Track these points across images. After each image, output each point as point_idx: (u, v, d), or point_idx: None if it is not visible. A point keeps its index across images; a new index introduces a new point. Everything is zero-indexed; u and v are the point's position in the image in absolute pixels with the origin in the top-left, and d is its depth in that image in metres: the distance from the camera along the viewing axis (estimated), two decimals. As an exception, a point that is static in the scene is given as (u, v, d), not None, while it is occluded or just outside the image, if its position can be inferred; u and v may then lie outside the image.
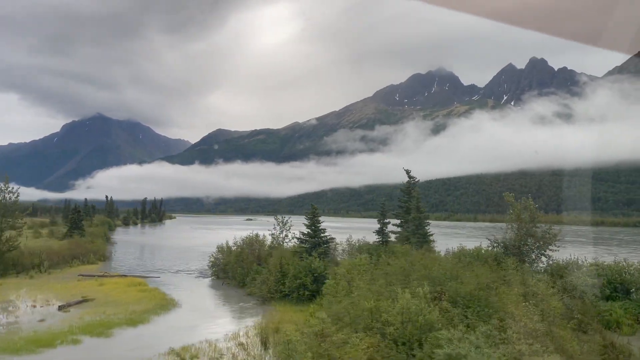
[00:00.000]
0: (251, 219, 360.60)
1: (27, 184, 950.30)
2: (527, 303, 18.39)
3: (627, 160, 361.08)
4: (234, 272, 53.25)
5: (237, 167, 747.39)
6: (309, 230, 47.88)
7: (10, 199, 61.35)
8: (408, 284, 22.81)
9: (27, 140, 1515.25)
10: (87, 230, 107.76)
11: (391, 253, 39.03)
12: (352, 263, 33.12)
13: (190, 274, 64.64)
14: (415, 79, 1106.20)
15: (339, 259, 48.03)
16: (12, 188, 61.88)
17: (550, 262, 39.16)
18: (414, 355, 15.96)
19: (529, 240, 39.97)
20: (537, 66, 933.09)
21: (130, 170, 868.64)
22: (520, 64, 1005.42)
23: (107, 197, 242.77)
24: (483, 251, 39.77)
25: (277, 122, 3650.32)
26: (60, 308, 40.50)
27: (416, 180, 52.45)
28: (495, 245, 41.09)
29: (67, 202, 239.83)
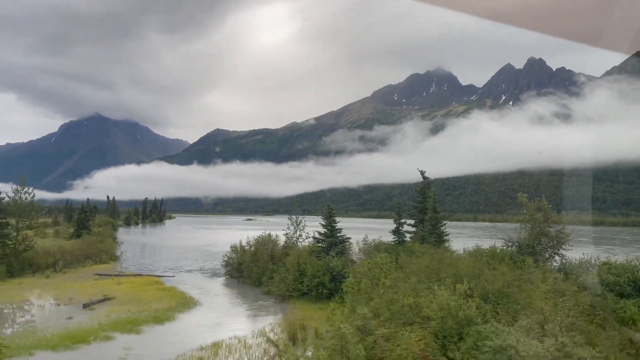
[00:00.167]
0: (251, 219, 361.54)
1: (25, 184, 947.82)
2: (561, 299, 19.37)
3: (626, 160, 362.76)
4: (249, 271, 54.12)
5: (236, 167, 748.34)
6: (325, 229, 48.81)
7: (26, 199, 62.19)
8: (438, 281, 23.74)
9: (25, 140, 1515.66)
10: (93, 230, 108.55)
11: (410, 252, 39.97)
12: (373, 262, 33.99)
13: (203, 273, 65.51)
14: (413, 79, 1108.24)
15: (354, 258, 48.96)
16: (28, 189, 62.72)
17: (564, 261, 40.08)
18: (457, 349, 16.86)
19: (543, 239, 40.91)
20: (535, 66, 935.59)
21: (129, 170, 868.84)
22: (519, 64, 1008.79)
23: (108, 197, 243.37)
24: (498, 250, 40.67)
25: (276, 122, 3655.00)
26: (84, 306, 41.36)
27: (430, 180, 53.45)
28: (509, 244, 42.02)
29: (68, 202, 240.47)
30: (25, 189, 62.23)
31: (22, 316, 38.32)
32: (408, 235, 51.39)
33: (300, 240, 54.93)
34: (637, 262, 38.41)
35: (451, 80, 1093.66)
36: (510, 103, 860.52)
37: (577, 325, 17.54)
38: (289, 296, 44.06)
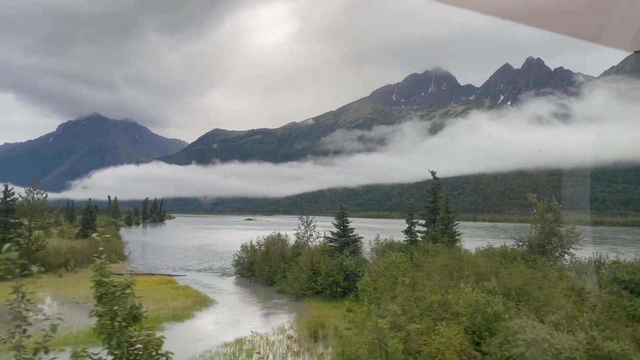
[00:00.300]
0: (251, 219, 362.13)
1: (23, 184, 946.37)
2: (587, 295, 20.18)
3: (624, 160, 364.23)
4: (261, 270, 54.82)
5: (235, 167, 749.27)
6: (338, 229, 49.60)
7: (38, 199, 62.85)
8: (460, 279, 24.51)
9: (23, 140, 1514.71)
10: (99, 230, 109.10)
11: (424, 252, 40.78)
12: (389, 261, 34.75)
13: (213, 272, 66.20)
14: (412, 78, 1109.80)
15: (365, 257, 49.75)
16: (40, 190, 63.37)
17: (574, 260, 40.91)
18: (488, 343, 17.61)
19: (553, 239, 41.74)
20: (534, 66, 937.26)
21: (127, 170, 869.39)
22: (517, 64, 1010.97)
23: (109, 197, 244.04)
24: (509, 249, 41.52)
25: (274, 122, 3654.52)
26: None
27: (440, 180, 54.29)
28: (520, 244, 42.85)
29: (69, 202, 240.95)
30: (38, 190, 62.89)
31: (44, 314, 39.03)
32: (419, 235, 52.16)
33: (311, 240, 55.70)
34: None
35: (449, 80, 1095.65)
36: (509, 103, 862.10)
37: (601, 321, 18.32)
38: (302, 295, 44.79)
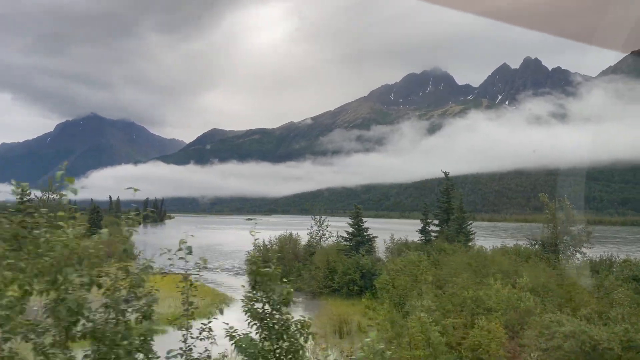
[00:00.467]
0: (251, 219, 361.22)
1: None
2: (616, 291, 21.24)
3: (622, 160, 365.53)
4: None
5: (233, 167, 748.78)
6: (353, 228, 50.62)
7: (54, 199, 63.53)
8: (486, 276, 25.56)
9: (21, 140, 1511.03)
10: (104, 229, 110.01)
11: (440, 251, 41.81)
12: (407, 260, 35.71)
13: (225, 271, 67.08)
14: (410, 78, 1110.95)
15: (380, 256, 50.76)
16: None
17: (585, 259, 41.96)
18: (524, 337, 18.63)
19: (565, 238, 42.75)
20: (531, 66, 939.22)
21: (125, 170, 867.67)
22: (515, 64, 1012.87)
23: (110, 197, 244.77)
24: (522, 248, 42.57)
25: (272, 121, 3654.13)
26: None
27: (453, 182, 55.38)
28: (533, 243, 43.88)
29: (69, 202, 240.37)
30: (52, 189, 63.52)
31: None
32: (432, 234, 53.20)
33: (324, 239, 56.69)
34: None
35: (447, 80, 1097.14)
36: (507, 103, 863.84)
37: (629, 315, 19.36)
38: (319, 293, 45.79)
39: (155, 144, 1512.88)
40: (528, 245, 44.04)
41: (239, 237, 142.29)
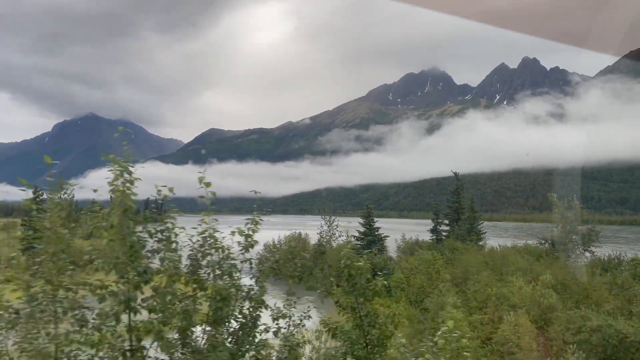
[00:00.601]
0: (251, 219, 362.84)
1: (18, 184, 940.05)
2: (637, 288, 22.14)
3: (620, 160, 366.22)
4: (286, 269, 56.47)
5: (231, 166, 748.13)
6: (365, 228, 51.44)
7: (66, 199, 64.16)
8: (506, 274, 26.41)
9: (18, 140, 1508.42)
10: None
11: (453, 250, 42.60)
12: (422, 259, 36.50)
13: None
14: (408, 78, 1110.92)
15: (391, 255, 51.54)
16: (67, 189, 64.57)
17: (593, 258, 42.86)
18: (553, 330, 19.48)
19: (574, 237, 43.58)
20: (530, 66, 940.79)
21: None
22: (513, 64, 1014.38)
23: (111, 197, 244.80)
24: (533, 247, 43.42)
25: (271, 121, 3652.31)
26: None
27: (462, 182, 56.19)
28: (543, 242, 44.71)
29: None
30: (65, 189, 64.10)
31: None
32: (442, 234, 53.97)
33: (334, 238, 57.47)
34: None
35: (446, 79, 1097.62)
36: (505, 103, 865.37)
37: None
38: (332, 292, 46.47)
39: (154, 144, 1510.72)
40: (538, 245, 44.82)
41: (242, 237, 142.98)
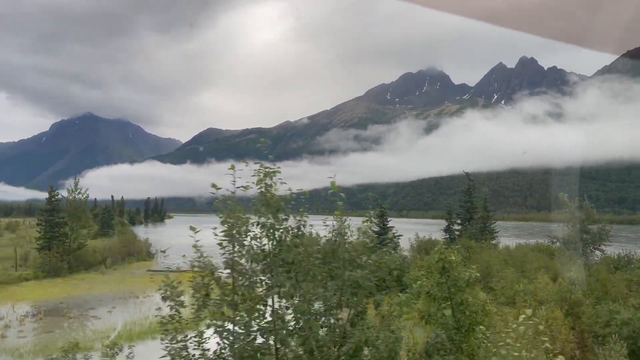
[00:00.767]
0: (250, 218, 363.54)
1: (16, 183, 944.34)
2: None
3: (618, 159, 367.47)
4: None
5: (230, 166, 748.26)
6: (378, 227, 52.35)
7: (79, 200, 65.19)
8: (523, 271, 27.42)
9: (16, 140, 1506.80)
10: (117, 229, 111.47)
11: (468, 248, 43.55)
12: (438, 257, 37.38)
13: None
14: (406, 78, 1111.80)
15: (405, 254, 52.44)
16: (82, 190, 65.71)
17: (604, 256, 43.92)
18: (583, 323, 20.47)
19: (585, 236, 44.62)
20: (527, 65, 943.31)
21: (121, 169, 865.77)
22: (511, 63, 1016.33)
23: (112, 197, 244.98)
24: (545, 246, 44.44)
25: (269, 121, 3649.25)
26: (164, 299, 44.53)
27: (474, 182, 57.19)
28: (554, 241, 45.70)
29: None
30: (79, 190, 65.21)
31: (114, 307, 41.56)
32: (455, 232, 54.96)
33: (346, 237, 58.28)
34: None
35: (444, 79, 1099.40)
36: (503, 102, 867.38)
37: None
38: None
39: (151, 144, 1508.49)
40: (550, 243, 45.83)
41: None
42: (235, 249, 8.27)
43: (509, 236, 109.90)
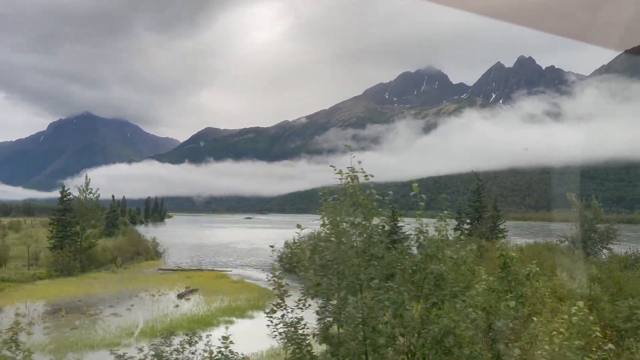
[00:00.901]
0: (250, 218, 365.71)
1: (13, 183, 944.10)
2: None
3: (617, 159, 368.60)
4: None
5: (228, 165, 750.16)
6: (388, 227, 53.15)
7: (90, 200, 65.87)
8: (541, 269, 28.15)
9: (14, 139, 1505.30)
10: (122, 229, 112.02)
11: (480, 247, 44.30)
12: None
13: (253, 268, 69.35)
14: (404, 77, 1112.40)
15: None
16: (92, 190, 66.38)
17: (611, 255, 44.68)
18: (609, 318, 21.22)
19: (593, 235, 45.47)
20: (525, 65, 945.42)
21: (120, 169, 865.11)
22: (509, 63, 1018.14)
23: (113, 196, 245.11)
24: (554, 245, 45.21)
25: (267, 120, 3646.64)
26: (179, 297, 45.35)
27: (483, 182, 57.98)
28: (563, 240, 46.52)
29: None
30: (90, 190, 65.88)
31: (132, 305, 42.25)
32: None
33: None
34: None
35: (442, 78, 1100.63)
36: (501, 101, 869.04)
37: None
38: (360, 287, 48.19)
39: (149, 143, 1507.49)
40: (558, 242, 46.63)
41: (249, 236, 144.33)
42: (341, 248, 9.03)
43: (511, 236, 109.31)
